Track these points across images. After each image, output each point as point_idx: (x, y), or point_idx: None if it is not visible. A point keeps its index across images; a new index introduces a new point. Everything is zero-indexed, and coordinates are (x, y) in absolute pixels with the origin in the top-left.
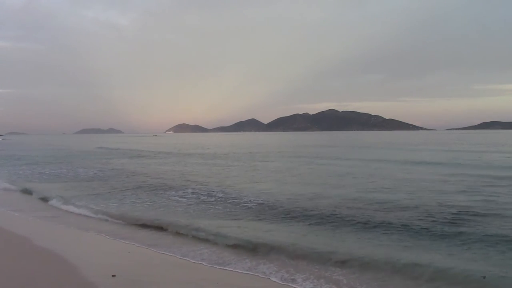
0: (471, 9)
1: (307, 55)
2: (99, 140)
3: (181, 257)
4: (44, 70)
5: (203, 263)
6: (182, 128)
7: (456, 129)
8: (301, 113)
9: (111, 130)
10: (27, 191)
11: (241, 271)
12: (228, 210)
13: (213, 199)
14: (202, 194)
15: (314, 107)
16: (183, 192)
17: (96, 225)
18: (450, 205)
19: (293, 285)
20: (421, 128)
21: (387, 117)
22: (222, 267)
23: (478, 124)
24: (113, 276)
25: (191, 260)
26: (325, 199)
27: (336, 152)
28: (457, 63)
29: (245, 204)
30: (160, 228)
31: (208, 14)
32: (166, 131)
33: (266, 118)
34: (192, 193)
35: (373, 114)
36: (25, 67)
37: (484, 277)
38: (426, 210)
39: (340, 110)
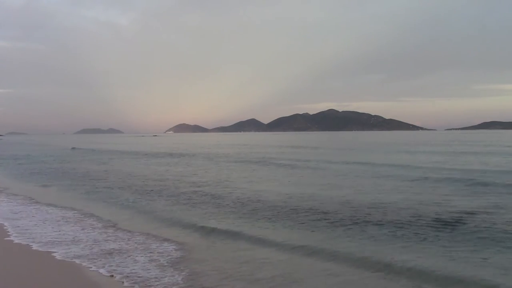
0: (471, 9)
1: (307, 55)
2: (87, 141)
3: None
4: (44, 70)
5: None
6: (182, 128)
7: (456, 129)
8: (301, 113)
9: (111, 130)
10: None
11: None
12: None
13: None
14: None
15: (314, 107)
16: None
17: None
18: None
19: None
20: (421, 128)
21: (387, 117)
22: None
23: (478, 124)
24: (111, 276)
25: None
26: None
27: (308, 154)
28: (457, 63)
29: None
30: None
31: (208, 14)
32: (166, 131)
33: (266, 118)
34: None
35: (373, 114)
36: (25, 67)
37: None
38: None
39: (340, 110)
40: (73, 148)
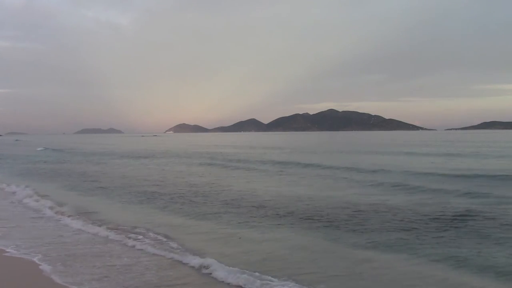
0: (471, 9)
1: (307, 55)
2: (77, 141)
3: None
4: (44, 70)
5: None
6: (182, 128)
7: (456, 129)
8: (301, 113)
9: (111, 130)
10: None
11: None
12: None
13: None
14: None
15: (314, 107)
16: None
17: None
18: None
19: None
20: (421, 128)
21: (387, 117)
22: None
23: (478, 124)
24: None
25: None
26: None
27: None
28: (457, 63)
29: None
30: None
31: (208, 14)
32: (166, 131)
33: (266, 118)
34: None
35: (373, 114)
36: (25, 67)
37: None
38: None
39: (340, 110)
40: (45, 148)
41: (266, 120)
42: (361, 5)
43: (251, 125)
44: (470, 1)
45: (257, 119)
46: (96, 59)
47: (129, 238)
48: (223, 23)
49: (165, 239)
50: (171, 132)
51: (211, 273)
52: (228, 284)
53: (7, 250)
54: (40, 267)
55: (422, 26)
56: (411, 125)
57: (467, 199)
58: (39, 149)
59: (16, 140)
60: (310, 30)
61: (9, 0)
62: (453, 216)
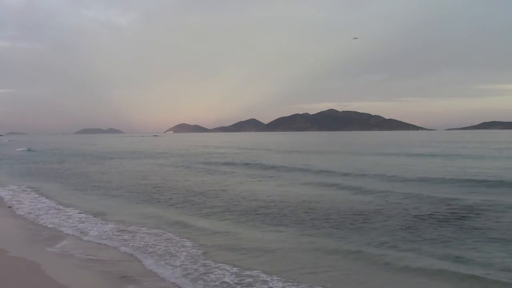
0: (471, 9)
1: (307, 55)
2: (68, 141)
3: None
4: (44, 70)
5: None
6: (182, 128)
7: (456, 129)
8: (301, 113)
9: (111, 130)
10: None
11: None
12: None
13: None
14: None
15: (314, 107)
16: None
17: None
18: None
19: None
20: (421, 128)
21: (387, 117)
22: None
23: (478, 124)
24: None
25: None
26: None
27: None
28: (457, 63)
29: None
30: None
31: (208, 14)
32: (166, 131)
33: (266, 118)
34: None
35: (373, 114)
36: (25, 67)
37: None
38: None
39: (340, 110)
40: (28, 149)
41: (266, 120)
42: (361, 5)
43: (251, 125)
44: (471, 1)
45: (257, 119)
46: (96, 59)
47: (126, 242)
48: (223, 23)
49: (165, 244)
50: (171, 132)
51: None
52: None
53: (9, 250)
54: (42, 267)
55: (422, 26)
56: (411, 125)
57: (467, 201)
58: (18, 149)
59: (9, 140)
60: (310, 30)
61: (9, 0)
62: (453, 217)
